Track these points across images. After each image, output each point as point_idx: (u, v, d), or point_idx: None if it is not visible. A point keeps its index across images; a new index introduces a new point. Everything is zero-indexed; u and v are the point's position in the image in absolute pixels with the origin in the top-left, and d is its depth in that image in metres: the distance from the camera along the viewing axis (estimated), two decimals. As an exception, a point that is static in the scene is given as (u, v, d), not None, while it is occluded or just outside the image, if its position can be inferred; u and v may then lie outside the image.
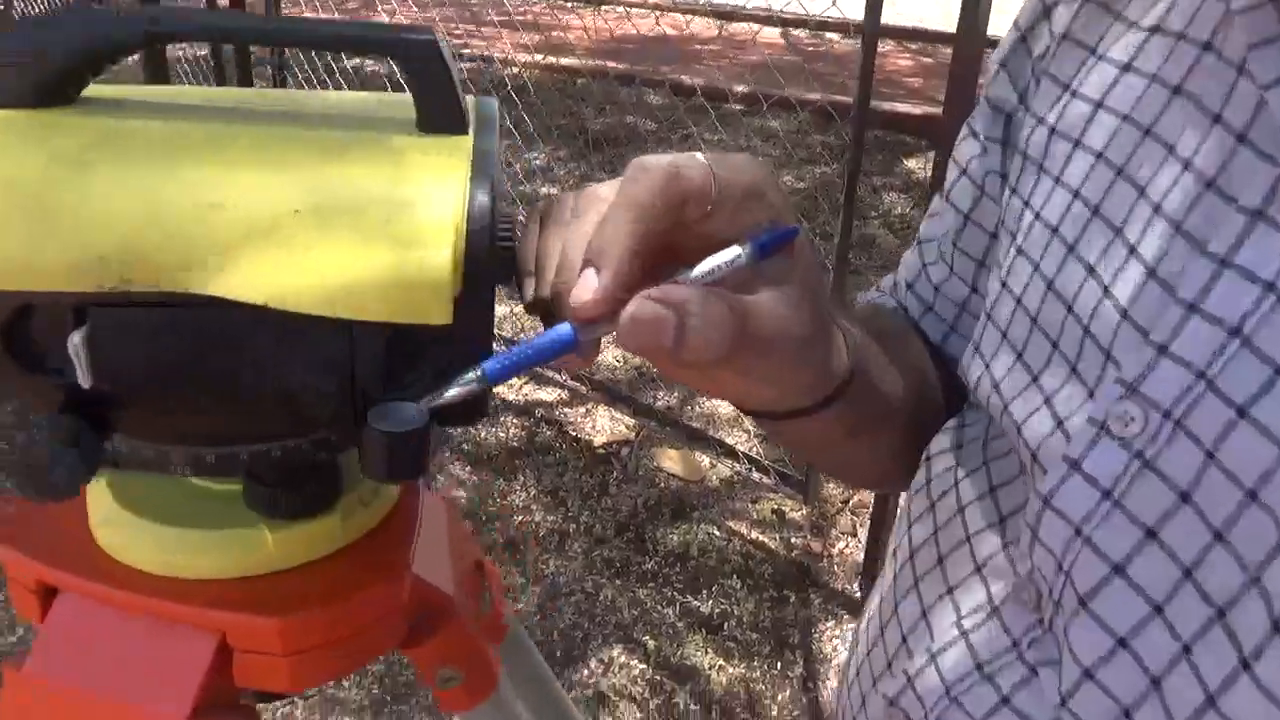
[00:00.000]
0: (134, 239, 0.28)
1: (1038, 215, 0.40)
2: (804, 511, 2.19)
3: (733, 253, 0.32)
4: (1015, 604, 0.37)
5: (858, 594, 1.97)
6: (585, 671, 1.81)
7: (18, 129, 0.30)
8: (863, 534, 2.06)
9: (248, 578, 0.36)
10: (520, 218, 0.35)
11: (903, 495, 0.53)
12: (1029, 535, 0.36)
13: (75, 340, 0.28)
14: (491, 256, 0.29)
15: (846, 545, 2.12)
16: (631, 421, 2.47)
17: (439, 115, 0.33)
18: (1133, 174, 0.36)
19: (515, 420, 2.50)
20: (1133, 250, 0.35)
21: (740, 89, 3.96)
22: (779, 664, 1.84)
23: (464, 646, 0.41)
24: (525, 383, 2.62)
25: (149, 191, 0.28)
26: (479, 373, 0.29)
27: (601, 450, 2.39)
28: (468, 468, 2.33)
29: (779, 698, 1.78)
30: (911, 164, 3.95)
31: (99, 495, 0.38)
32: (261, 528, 0.36)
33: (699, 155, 0.32)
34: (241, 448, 0.33)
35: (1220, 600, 0.30)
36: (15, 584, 0.38)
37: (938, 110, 1.74)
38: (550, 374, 2.60)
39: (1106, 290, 0.35)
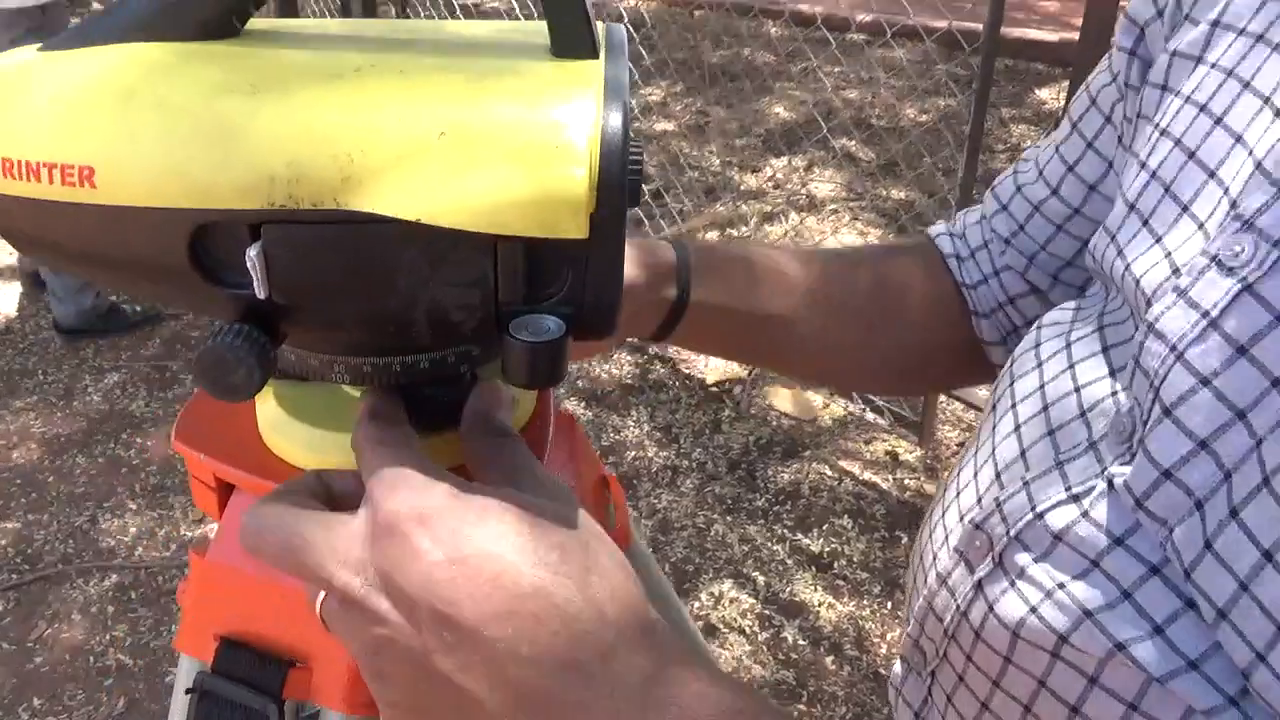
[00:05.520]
0: (299, 159, 0.30)
1: (1188, 98, 0.43)
2: (918, 453, 2.16)
3: None
4: (1112, 435, 0.39)
5: (973, 537, 1.95)
6: (696, 604, 1.86)
7: (194, 60, 0.33)
8: (980, 477, 2.02)
9: (397, 480, 0.39)
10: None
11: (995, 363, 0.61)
12: (1132, 365, 0.39)
13: (252, 254, 0.31)
14: (623, 176, 0.30)
15: (962, 488, 2.08)
16: (744, 360, 2.48)
17: (572, 40, 0.34)
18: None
19: (629, 357, 2.54)
20: (1278, 112, 0.38)
21: (863, 17, 3.82)
22: (889, 604, 1.84)
23: (591, 554, 0.44)
24: (639, 320, 2.65)
25: (312, 116, 0.30)
26: None
27: (714, 388, 2.41)
28: (582, 403, 2.38)
29: (888, 637, 1.79)
30: (1044, 94, 3.75)
31: (265, 401, 0.41)
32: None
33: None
34: (394, 359, 0.36)
35: None
36: (196, 481, 0.43)
37: (1073, 36, 1.65)
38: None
39: (1250, 150, 0.38)
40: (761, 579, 1.91)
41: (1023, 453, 0.43)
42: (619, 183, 0.31)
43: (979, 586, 0.42)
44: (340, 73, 0.32)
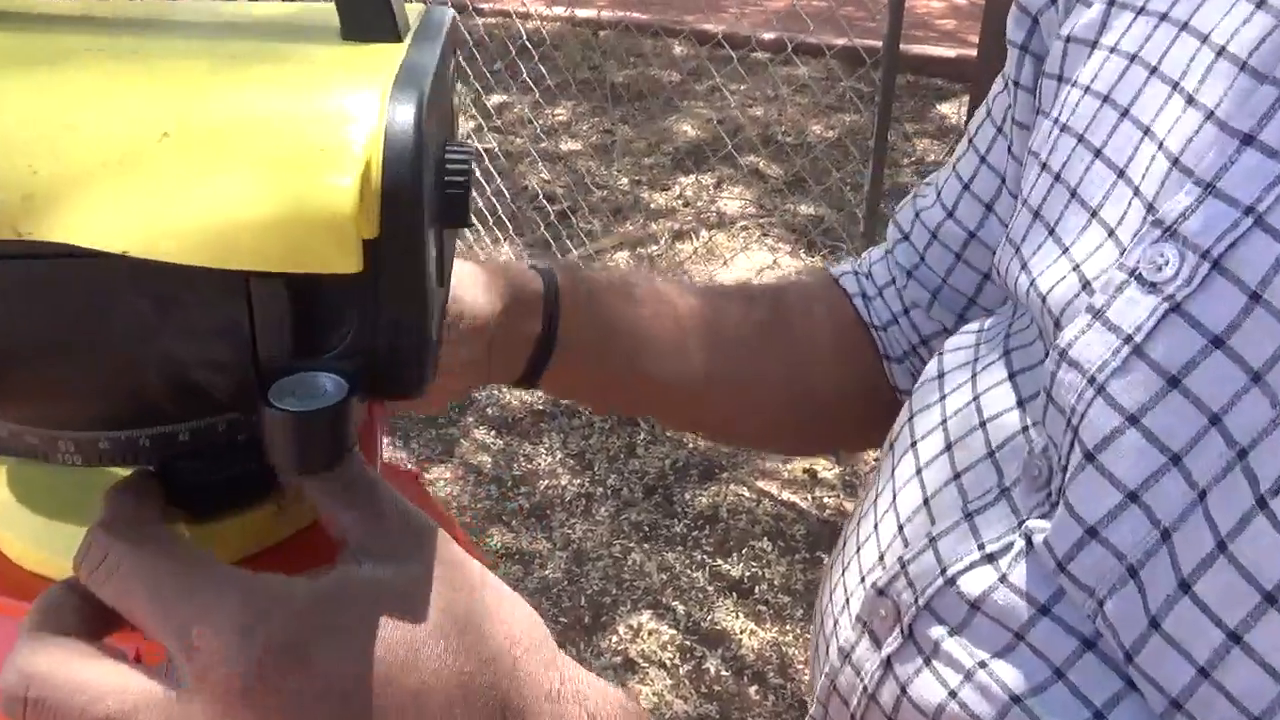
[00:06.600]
0: (-37, 173, 0.22)
1: (1087, 88, 0.38)
2: (836, 470, 2.13)
3: None
4: (1026, 481, 0.34)
5: (893, 555, 1.92)
6: (614, 638, 1.78)
7: None
8: (897, 493, 2.00)
9: (166, 581, 0.30)
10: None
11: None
12: (1044, 399, 0.33)
13: (-97, 304, 0.22)
14: (416, 186, 0.23)
15: (881, 505, 2.06)
16: (658, 381, 2.42)
17: (363, 18, 0.27)
18: (1194, 24, 0.34)
19: (540, 382, 2.47)
20: (1191, 99, 0.32)
21: (765, 35, 3.84)
22: (811, 628, 1.79)
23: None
24: (549, 344, 2.58)
25: (-16, 112, 0.22)
26: None
27: (627, 411, 2.35)
28: (492, 431, 2.29)
29: (812, 662, 1.74)
30: (945, 109, 3.81)
31: (-2, 487, 0.32)
32: (178, 524, 0.30)
33: None
34: (139, 432, 0.28)
35: (1244, 441, 0.27)
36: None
37: (971, 52, 1.65)
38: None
39: (1161, 144, 0.33)
40: (681, 608, 1.84)
41: (926, 501, 0.38)
42: (411, 196, 0.23)
43: (888, 664, 0.36)
44: (47, 59, 0.24)
